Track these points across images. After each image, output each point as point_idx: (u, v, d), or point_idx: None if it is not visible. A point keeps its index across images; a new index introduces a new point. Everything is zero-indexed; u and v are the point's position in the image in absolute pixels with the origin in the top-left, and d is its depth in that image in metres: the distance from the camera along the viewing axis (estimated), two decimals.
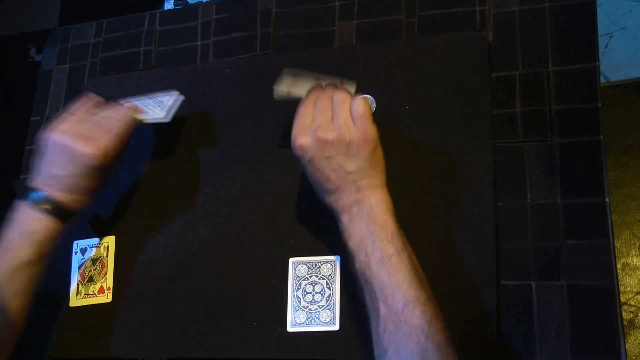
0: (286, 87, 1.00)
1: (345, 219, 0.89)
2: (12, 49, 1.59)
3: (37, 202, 0.99)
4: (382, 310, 0.82)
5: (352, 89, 0.99)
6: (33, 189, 1.00)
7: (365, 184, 0.89)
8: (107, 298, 1.11)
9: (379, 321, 0.82)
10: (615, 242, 0.92)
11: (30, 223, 0.99)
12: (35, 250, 0.98)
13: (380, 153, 0.91)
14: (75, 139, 0.99)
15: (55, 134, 1.01)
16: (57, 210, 0.99)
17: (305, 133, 0.90)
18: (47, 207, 0.99)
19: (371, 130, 0.89)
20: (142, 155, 1.18)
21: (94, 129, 1.01)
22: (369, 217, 0.87)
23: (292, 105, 1.07)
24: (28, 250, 0.98)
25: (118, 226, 1.15)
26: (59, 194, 1.00)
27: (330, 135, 0.88)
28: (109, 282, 1.11)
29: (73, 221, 1.02)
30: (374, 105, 1.07)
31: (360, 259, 0.86)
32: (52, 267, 1.16)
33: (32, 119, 1.30)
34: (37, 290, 1.01)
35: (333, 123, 0.89)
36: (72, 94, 1.29)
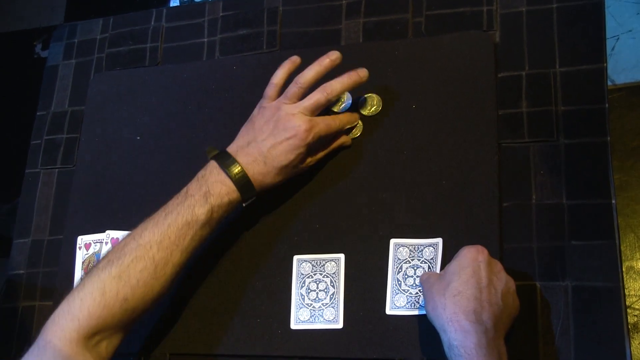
0: None
1: (480, 341, 0.81)
2: (18, 45, 1.60)
3: (226, 165, 0.97)
4: None
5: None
6: (228, 152, 0.99)
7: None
8: None
9: None
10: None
11: (212, 184, 0.96)
12: (206, 211, 0.95)
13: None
14: (291, 109, 0.99)
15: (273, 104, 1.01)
16: (241, 180, 0.96)
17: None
18: (234, 173, 0.96)
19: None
20: (147, 153, 1.18)
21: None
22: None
23: None
24: (201, 210, 0.95)
25: (122, 223, 1.15)
26: (250, 165, 0.97)
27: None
28: None
29: (250, 199, 0.99)
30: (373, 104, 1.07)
31: None
32: (55, 262, 1.17)
33: (37, 114, 1.30)
34: (197, 252, 0.99)
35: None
36: (78, 89, 1.29)
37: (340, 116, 1.04)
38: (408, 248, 0.99)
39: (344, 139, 1.06)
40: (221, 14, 1.25)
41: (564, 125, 0.98)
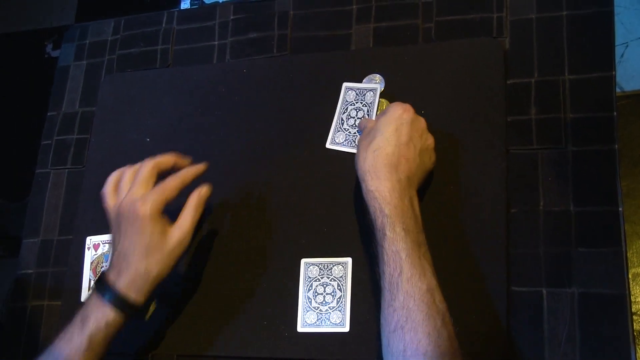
0: None
1: (393, 187, 0.90)
2: (29, 45, 1.60)
3: (101, 291, 0.93)
4: (405, 286, 0.83)
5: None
6: (103, 277, 0.95)
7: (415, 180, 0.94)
8: None
9: (397, 295, 0.83)
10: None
11: (88, 307, 0.93)
12: (85, 337, 0.91)
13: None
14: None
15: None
16: (118, 302, 0.92)
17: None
18: (110, 297, 0.92)
19: None
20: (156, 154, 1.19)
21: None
22: (412, 205, 0.90)
23: (307, 106, 1.08)
24: (79, 337, 0.91)
25: None
26: (125, 284, 0.93)
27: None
28: None
29: (139, 315, 0.97)
30: (378, 95, 1.08)
31: (397, 230, 0.86)
32: (64, 262, 1.17)
33: (48, 114, 1.31)
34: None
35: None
36: (89, 90, 1.30)
37: (180, 174, 0.98)
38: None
39: (197, 197, 0.99)
40: (232, 17, 1.25)
41: (573, 133, 0.98)
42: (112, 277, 0.93)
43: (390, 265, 0.85)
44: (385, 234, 0.87)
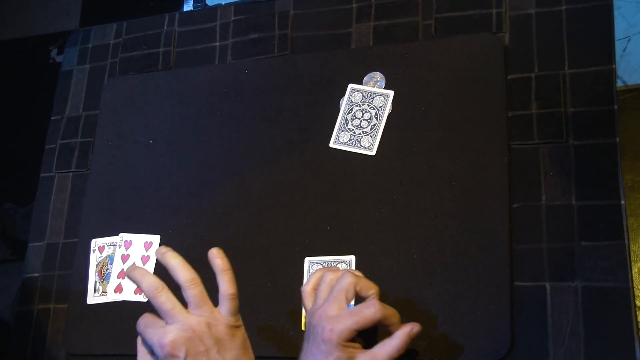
0: None
1: None
2: (34, 50, 1.61)
3: None
4: None
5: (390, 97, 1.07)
6: None
7: None
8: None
9: None
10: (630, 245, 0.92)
11: None
12: None
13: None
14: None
15: None
16: None
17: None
18: None
19: None
20: (160, 156, 1.19)
21: None
22: None
23: (309, 106, 1.08)
24: None
25: (136, 226, 1.16)
26: None
27: None
28: None
29: None
30: (390, 100, 1.08)
31: None
32: (70, 264, 1.18)
33: (52, 118, 1.32)
34: None
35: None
36: (92, 93, 1.30)
37: (387, 313, 0.88)
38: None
39: (408, 334, 0.87)
40: (233, 19, 1.26)
41: (574, 127, 0.98)
42: None
43: None
44: None
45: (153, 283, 0.86)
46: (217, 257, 0.89)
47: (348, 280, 0.88)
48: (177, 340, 0.82)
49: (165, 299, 0.85)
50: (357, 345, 0.88)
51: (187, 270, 0.87)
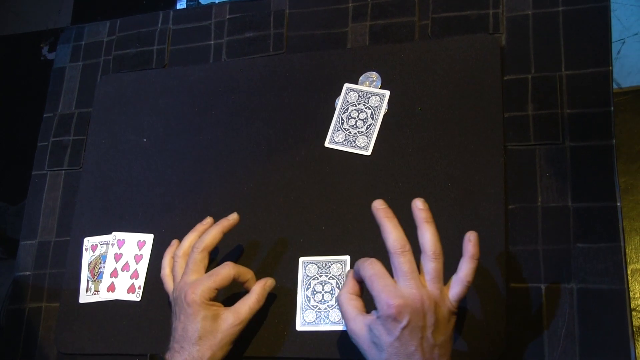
0: None
1: None
2: (25, 47, 1.60)
3: None
4: None
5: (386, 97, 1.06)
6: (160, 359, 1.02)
7: None
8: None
9: None
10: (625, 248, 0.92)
11: None
12: None
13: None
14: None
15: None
16: None
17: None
18: None
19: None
20: (154, 155, 1.19)
21: None
22: None
23: (304, 105, 1.08)
24: None
25: (129, 224, 1.15)
26: None
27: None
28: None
29: None
30: (386, 100, 1.08)
31: None
32: (62, 263, 1.17)
33: (44, 115, 1.31)
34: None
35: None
36: (85, 91, 1.30)
37: (213, 231, 1.01)
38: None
39: (261, 287, 0.99)
40: (228, 17, 1.25)
41: (570, 128, 0.98)
42: (167, 359, 0.95)
43: None
44: None
45: (401, 240, 0.84)
46: (471, 242, 0.86)
47: (198, 248, 0.98)
48: (406, 306, 0.80)
49: (407, 259, 0.84)
50: (219, 304, 0.96)
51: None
